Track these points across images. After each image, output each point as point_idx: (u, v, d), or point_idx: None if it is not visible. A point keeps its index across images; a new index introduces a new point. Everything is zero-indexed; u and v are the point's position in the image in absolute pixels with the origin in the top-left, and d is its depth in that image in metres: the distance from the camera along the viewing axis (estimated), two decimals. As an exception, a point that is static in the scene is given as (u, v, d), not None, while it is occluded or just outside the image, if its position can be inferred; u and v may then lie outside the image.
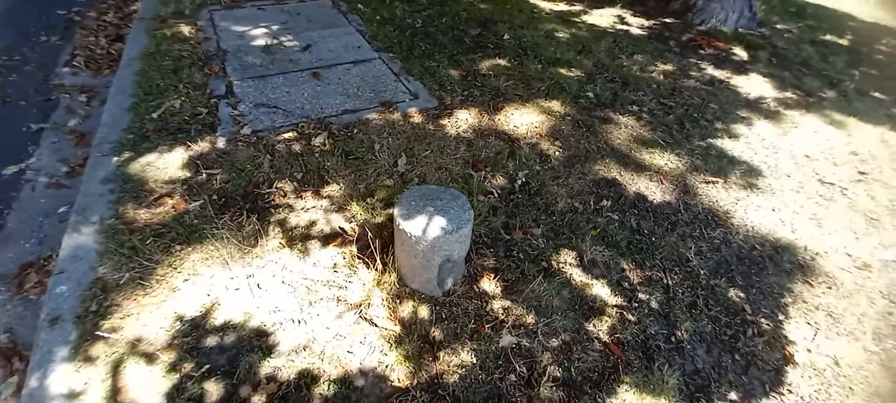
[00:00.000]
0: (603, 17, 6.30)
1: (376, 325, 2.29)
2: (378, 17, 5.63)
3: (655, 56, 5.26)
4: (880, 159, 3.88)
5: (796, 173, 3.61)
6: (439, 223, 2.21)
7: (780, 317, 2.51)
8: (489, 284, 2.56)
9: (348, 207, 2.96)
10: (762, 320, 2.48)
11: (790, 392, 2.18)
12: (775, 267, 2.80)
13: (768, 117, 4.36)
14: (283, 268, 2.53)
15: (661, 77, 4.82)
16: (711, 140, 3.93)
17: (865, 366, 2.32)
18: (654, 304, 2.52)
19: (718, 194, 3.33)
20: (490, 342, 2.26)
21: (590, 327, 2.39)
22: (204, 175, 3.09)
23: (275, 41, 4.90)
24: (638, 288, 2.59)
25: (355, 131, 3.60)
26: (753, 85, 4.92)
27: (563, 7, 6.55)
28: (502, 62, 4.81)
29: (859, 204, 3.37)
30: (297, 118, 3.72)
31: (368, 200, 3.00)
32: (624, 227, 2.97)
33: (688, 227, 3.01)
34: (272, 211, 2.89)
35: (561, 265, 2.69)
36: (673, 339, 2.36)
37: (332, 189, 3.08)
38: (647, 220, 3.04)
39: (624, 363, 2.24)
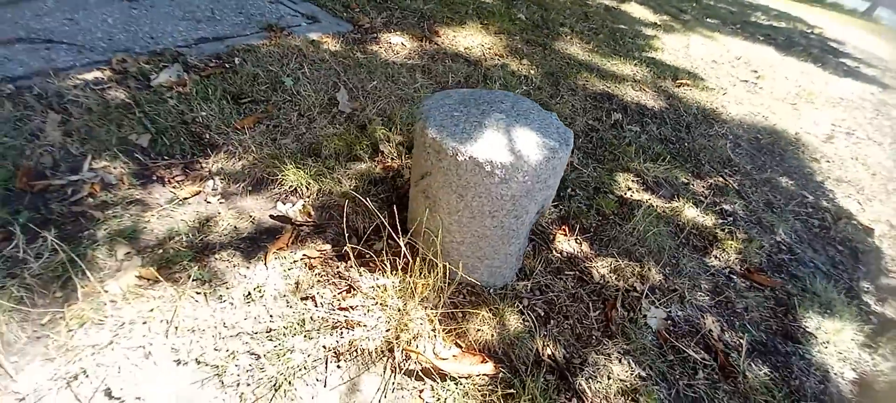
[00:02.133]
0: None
1: (454, 380, 1.02)
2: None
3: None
4: (754, 60, 4.16)
5: (723, 75, 3.53)
6: (532, 137, 1.06)
7: (828, 194, 2.17)
8: (568, 242, 1.51)
9: (276, 178, 1.49)
10: (823, 203, 2.10)
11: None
12: (785, 152, 2.52)
13: (667, 33, 4.30)
14: (169, 328, 1.00)
15: (569, 3, 4.35)
16: (645, 53, 3.59)
17: None
18: (740, 212, 1.87)
19: (693, 95, 2.94)
20: (634, 330, 1.24)
21: (717, 262, 1.59)
22: None
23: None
24: (715, 198, 1.93)
25: (236, 61, 2.00)
26: (637, 10, 4.88)
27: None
28: (409, -16, 3.60)
29: (775, 94, 3.43)
30: (105, 54, 1.90)
31: (311, 161, 1.57)
32: (651, 138, 2.27)
33: (701, 127, 2.52)
34: (94, 216, 1.23)
35: (630, 193, 1.81)
36: (783, 246, 1.75)
37: (227, 155, 1.53)
38: (664, 127, 2.41)
39: (783, 293, 1.51)
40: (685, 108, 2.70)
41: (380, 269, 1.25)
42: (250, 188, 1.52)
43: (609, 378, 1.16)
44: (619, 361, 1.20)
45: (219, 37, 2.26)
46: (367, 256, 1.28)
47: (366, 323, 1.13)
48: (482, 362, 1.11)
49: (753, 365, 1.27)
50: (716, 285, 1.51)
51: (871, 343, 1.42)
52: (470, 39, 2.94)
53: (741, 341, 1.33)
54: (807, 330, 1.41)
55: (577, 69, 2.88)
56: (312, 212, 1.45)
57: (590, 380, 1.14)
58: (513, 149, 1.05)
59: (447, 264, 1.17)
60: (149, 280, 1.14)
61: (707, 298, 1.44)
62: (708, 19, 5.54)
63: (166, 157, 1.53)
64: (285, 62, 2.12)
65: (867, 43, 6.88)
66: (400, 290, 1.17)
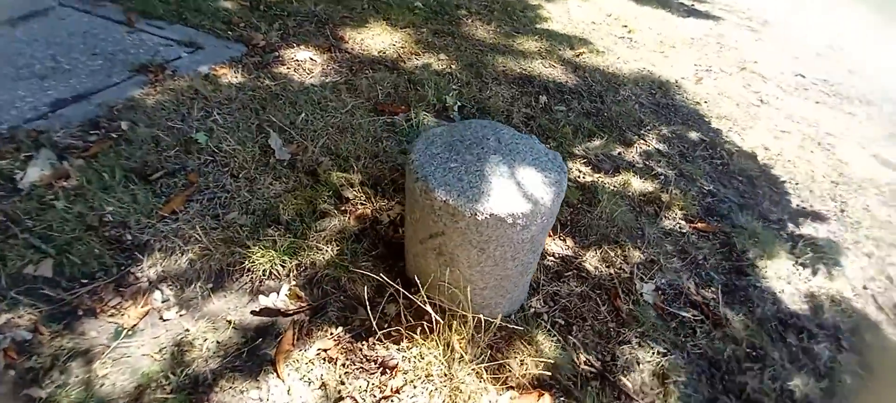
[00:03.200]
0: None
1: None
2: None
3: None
4: (622, 16, 4.75)
5: (605, 36, 3.98)
6: (535, 175, 1.13)
7: (717, 133, 2.67)
8: (554, 243, 1.64)
9: (239, 265, 1.32)
10: (716, 141, 2.58)
11: (781, 182, 2.34)
12: (675, 100, 2.99)
13: (548, 1, 4.65)
14: None
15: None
16: (538, 25, 3.87)
17: (770, 141, 2.73)
18: (667, 170, 2.21)
19: (591, 61, 3.29)
20: (639, 312, 1.43)
21: (670, 223, 1.87)
22: None
23: None
24: (647, 163, 2.24)
25: (124, 126, 1.66)
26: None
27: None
28: (284, -15, 3.29)
29: (648, 45, 4.00)
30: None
31: (272, 231, 1.42)
32: (577, 114, 2.52)
33: (610, 94, 2.86)
34: (30, 395, 0.97)
35: (582, 176, 2.02)
36: (705, 190, 2.14)
37: (165, 254, 1.31)
38: (584, 101, 2.68)
39: (722, 233, 1.86)
40: (591, 78, 3.00)
41: (407, 338, 1.21)
42: (211, 286, 1.31)
43: (639, 364, 1.31)
44: (640, 346, 1.36)
45: (80, 94, 1.82)
46: (390, 328, 1.22)
47: (420, 401, 1.09)
48: (539, 397, 1.16)
49: (729, 309, 1.55)
50: (677, 244, 1.78)
51: (797, 259, 1.83)
52: (378, 40, 2.83)
53: (714, 291, 1.60)
54: (751, 261, 1.76)
55: (491, 55, 2.97)
56: (302, 294, 1.31)
57: (625, 373, 1.28)
58: (526, 194, 1.08)
59: (478, 314, 1.18)
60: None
61: (676, 260, 1.69)
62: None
63: (85, 281, 1.23)
64: (186, 112, 1.81)
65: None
66: (441, 354, 1.15)
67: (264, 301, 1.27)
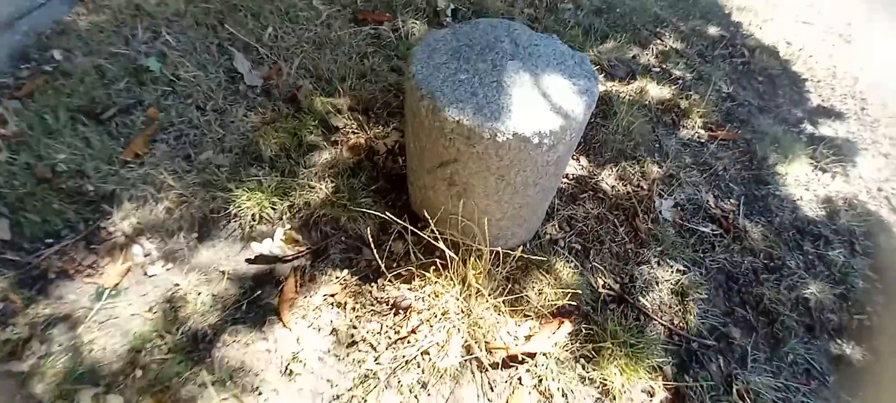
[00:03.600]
0: None
1: (544, 353, 1.09)
2: None
3: None
4: None
5: None
6: (562, 82, 1.03)
7: (737, 27, 2.53)
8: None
9: (223, 211, 1.24)
10: (737, 38, 2.46)
11: (803, 80, 2.27)
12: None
13: None
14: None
15: None
16: None
17: (794, 33, 2.60)
18: (688, 75, 2.10)
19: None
20: (659, 231, 1.42)
21: (688, 132, 1.82)
22: None
23: None
24: (663, 65, 2.13)
25: (59, 57, 1.46)
26: None
27: None
28: None
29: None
30: None
31: (255, 171, 1.32)
32: (588, 13, 2.32)
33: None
34: (17, 370, 0.92)
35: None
36: (724, 93, 2.05)
37: (137, 204, 1.21)
38: (590, -5, 2.45)
39: (742, 140, 1.82)
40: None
41: (419, 276, 1.17)
42: (196, 236, 1.24)
43: (657, 284, 1.32)
44: (659, 265, 1.37)
45: (2, 23, 1.58)
46: (399, 267, 1.18)
47: (436, 340, 1.09)
48: (560, 324, 1.17)
49: (748, 221, 1.55)
50: (697, 156, 1.74)
51: (816, 163, 1.81)
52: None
53: (733, 203, 1.59)
54: (771, 168, 1.74)
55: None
56: (299, 238, 1.25)
57: (644, 293, 1.30)
58: (555, 107, 0.98)
59: (495, 248, 1.14)
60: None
61: (696, 173, 1.66)
62: None
63: (50, 240, 1.14)
64: (129, 34, 1.60)
65: None
66: (457, 292, 1.13)
67: (258, 247, 1.21)
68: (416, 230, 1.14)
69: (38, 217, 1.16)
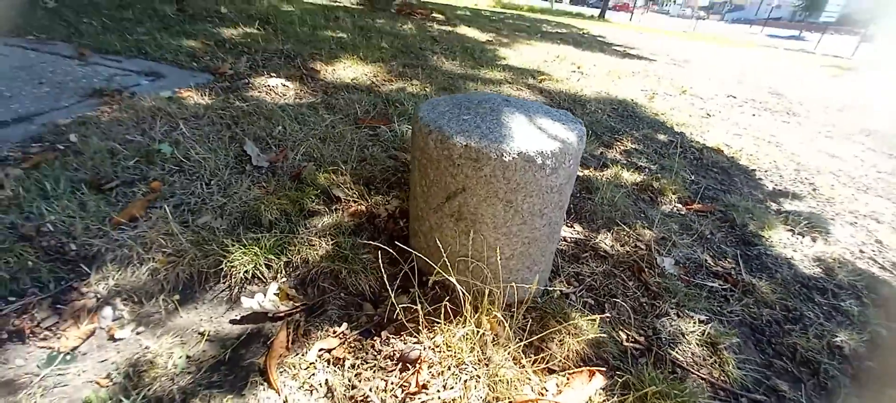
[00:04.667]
0: (308, -2, 5.42)
1: None
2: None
3: (391, 19, 4.95)
4: (569, 56, 5.04)
5: (558, 69, 4.16)
6: (547, 122, 1.03)
7: (682, 135, 2.73)
8: (563, 230, 1.50)
9: (218, 266, 1.07)
10: (685, 140, 2.62)
11: (751, 170, 2.37)
12: (636, 112, 3.08)
13: (501, 46, 4.87)
14: None
15: (414, 31, 4.55)
16: (498, 61, 3.99)
17: (728, 140, 2.82)
18: (653, 165, 2.19)
19: (555, 86, 3.37)
20: (669, 284, 1.29)
21: (668, 206, 1.80)
22: None
23: None
24: (629, 159, 2.23)
25: (74, 139, 1.42)
26: (469, 31, 5.41)
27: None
28: (252, 30, 3.23)
29: (597, 77, 4.20)
30: None
31: (254, 233, 1.19)
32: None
33: (578, 109, 2.90)
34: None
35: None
36: (689, 179, 2.11)
37: (122, 264, 1.05)
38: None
39: (719, 212, 1.80)
40: (558, 97, 3.03)
41: (426, 326, 0.98)
42: (177, 298, 1.03)
43: (684, 336, 1.14)
44: (679, 317, 1.19)
45: (21, 116, 1.56)
46: (405, 318, 0.99)
47: (452, 395, 0.85)
48: (591, 376, 0.95)
49: (751, 276, 1.43)
50: (681, 223, 1.68)
51: (793, 229, 1.77)
52: (351, 71, 2.74)
53: (731, 261, 1.49)
54: (753, 234, 1.68)
55: (462, 81, 2.96)
56: (293, 293, 1.06)
57: (673, 347, 1.10)
58: (551, 135, 0.95)
59: (510, 283, 0.98)
60: None
61: (686, 236, 1.58)
62: (518, 33, 6.48)
63: (12, 299, 0.92)
64: (147, 127, 1.58)
65: (616, 35, 9.09)
66: (473, 337, 0.93)
67: (248, 303, 1.01)
68: (423, 272, 0.99)
69: (6, 274, 0.96)
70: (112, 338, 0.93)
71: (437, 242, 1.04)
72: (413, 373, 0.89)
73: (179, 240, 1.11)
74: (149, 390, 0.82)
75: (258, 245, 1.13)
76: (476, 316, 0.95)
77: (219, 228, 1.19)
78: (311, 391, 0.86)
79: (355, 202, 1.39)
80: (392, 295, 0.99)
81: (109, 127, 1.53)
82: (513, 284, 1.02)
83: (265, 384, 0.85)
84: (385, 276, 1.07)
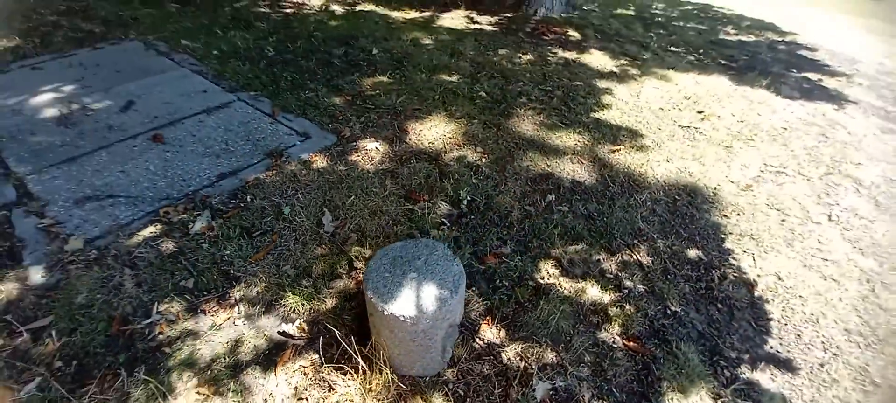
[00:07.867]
0: (455, 20, 6.24)
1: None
2: (215, 52, 4.51)
3: (515, 48, 5.40)
4: (704, 98, 4.62)
5: (663, 125, 4.02)
6: (432, 291, 1.68)
7: (725, 253, 2.68)
8: (490, 330, 2.12)
9: (281, 301, 2.15)
10: (715, 263, 2.60)
11: (768, 319, 2.31)
12: (698, 211, 3.01)
13: (621, 82, 4.81)
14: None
15: (529, 65, 4.93)
16: (593, 114, 4.12)
17: (794, 271, 2.61)
18: (640, 287, 2.42)
19: (625, 159, 3.47)
20: (527, 401, 1.83)
21: (605, 335, 2.16)
22: (25, 336, 1.89)
23: (74, 106, 3.46)
24: (620, 274, 2.47)
25: (249, 199, 2.69)
26: (595, 59, 5.40)
27: (414, 15, 6.28)
28: (384, 78, 4.30)
29: (714, 138, 3.90)
30: (153, 203, 2.61)
31: (304, 283, 2.23)
32: (577, 216, 2.84)
33: (623, 198, 3.05)
34: (165, 350, 1.90)
35: (547, 278, 2.40)
36: (668, 311, 2.29)
37: (246, 286, 2.20)
38: (590, 203, 2.97)
39: (650, 357, 2.06)
40: (613, 179, 3.24)
41: (349, 373, 1.89)
42: (264, 310, 2.18)
43: (502, 441, 1.76)
44: (511, 427, 1.80)
45: (233, 170, 2.96)
46: (341, 365, 1.92)
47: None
48: (414, 437, 1.73)
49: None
50: (597, 356, 2.08)
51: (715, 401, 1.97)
52: (434, 131, 3.56)
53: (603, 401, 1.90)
54: (660, 391, 1.97)
55: (523, 150, 3.46)
56: (306, 328, 2.10)
57: (488, 443, 1.75)
58: (417, 304, 1.67)
59: (392, 369, 1.80)
60: (205, 395, 1.81)
61: (586, 369, 2.02)
62: (671, 49, 5.96)
63: (206, 293, 2.22)
64: (284, 190, 2.80)
65: (848, 42, 7.02)
66: (362, 390, 1.81)
67: (284, 327, 2.10)
68: (358, 345, 1.88)
69: (206, 281, 2.28)
70: (234, 324, 2.14)
71: (370, 328, 1.92)
72: (331, 394, 1.84)
73: (269, 280, 2.28)
74: (237, 356, 1.98)
75: (300, 292, 2.21)
76: (369, 378, 1.81)
77: (289, 276, 2.31)
78: (289, 385, 1.90)
79: (362, 275, 2.35)
80: (347, 347, 1.93)
81: (268, 189, 2.82)
82: (392, 374, 1.84)
83: (274, 372, 1.93)
84: (352, 336, 2.01)
